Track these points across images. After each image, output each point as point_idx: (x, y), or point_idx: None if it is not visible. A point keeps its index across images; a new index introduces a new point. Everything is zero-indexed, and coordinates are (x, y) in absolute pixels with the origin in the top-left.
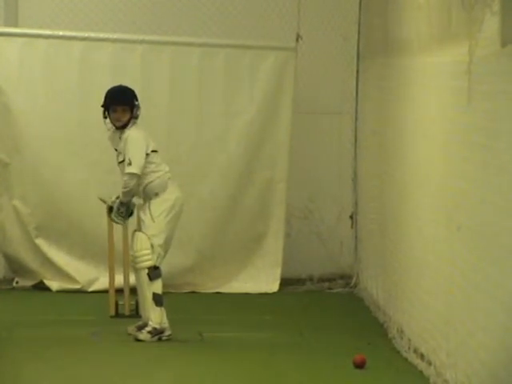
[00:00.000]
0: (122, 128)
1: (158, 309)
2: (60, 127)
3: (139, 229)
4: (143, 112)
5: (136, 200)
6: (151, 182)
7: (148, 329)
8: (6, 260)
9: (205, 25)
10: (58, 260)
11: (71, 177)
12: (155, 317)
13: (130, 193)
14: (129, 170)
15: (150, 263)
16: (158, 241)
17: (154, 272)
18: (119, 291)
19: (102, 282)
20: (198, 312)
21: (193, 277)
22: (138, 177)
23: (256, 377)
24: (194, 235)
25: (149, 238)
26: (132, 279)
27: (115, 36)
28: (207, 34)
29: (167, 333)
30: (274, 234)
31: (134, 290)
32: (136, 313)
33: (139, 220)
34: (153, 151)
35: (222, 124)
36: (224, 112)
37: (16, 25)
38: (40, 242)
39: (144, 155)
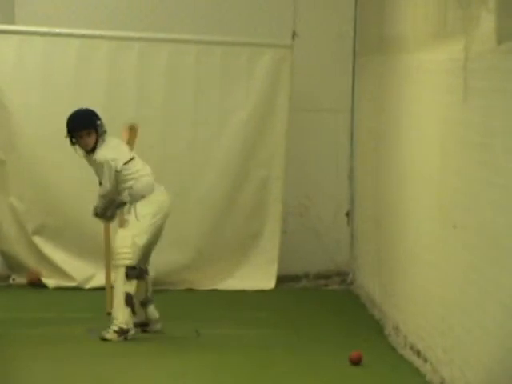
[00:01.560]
0: (92, 151)
1: (128, 309)
2: (56, 124)
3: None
4: (139, 110)
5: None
6: (134, 185)
7: (114, 328)
8: (3, 257)
9: (201, 22)
10: (54, 257)
11: (68, 174)
12: (123, 316)
13: (103, 204)
14: (101, 190)
15: (128, 262)
16: (140, 241)
17: (131, 271)
18: None
19: (99, 279)
20: (195, 309)
21: (189, 274)
22: (112, 193)
23: (252, 373)
24: (191, 232)
25: (131, 237)
26: None
27: (112, 33)
28: (204, 32)
29: (132, 332)
30: (270, 231)
31: None
32: (132, 310)
33: (123, 220)
34: (130, 159)
35: (218, 121)
36: (220, 109)
37: (13, 22)
38: (36, 239)
39: (113, 175)
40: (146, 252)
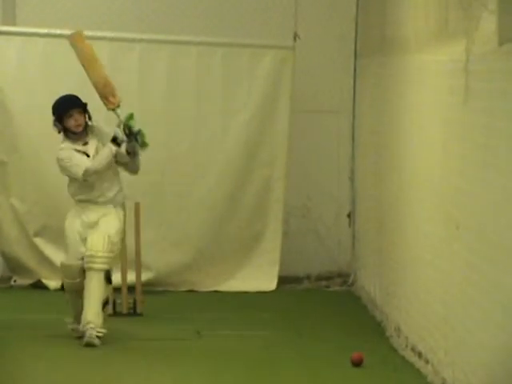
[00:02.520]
0: (81, 134)
1: (102, 312)
2: None
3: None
4: (140, 111)
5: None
6: (122, 188)
7: (98, 334)
8: (4, 259)
9: (203, 23)
10: (55, 259)
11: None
12: (99, 320)
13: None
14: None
15: (107, 266)
16: (118, 246)
17: (109, 275)
18: (117, 290)
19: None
20: (196, 310)
21: (191, 275)
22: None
23: (254, 375)
24: (193, 233)
25: (113, 242)
26: (130, 278)
27: (113, 35)
28: (205, 33)
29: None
30: (271, 232)
31: (131, 289)
32: (134, 311)
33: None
34: None
35: (220, 122)
36: (222, 110)
37: (14, 23)
38: (38, 240)
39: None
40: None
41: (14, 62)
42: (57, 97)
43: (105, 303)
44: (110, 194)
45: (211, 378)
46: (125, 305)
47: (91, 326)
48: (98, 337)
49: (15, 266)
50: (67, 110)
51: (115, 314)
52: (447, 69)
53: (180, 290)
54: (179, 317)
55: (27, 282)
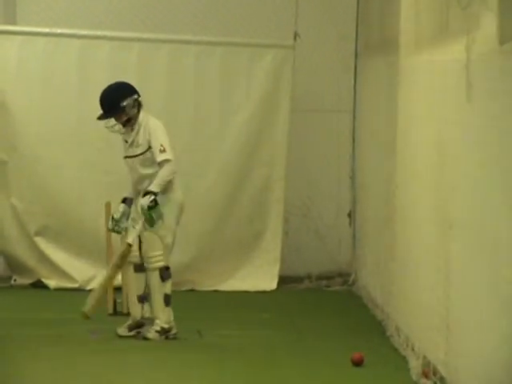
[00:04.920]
0: (127, 123)
1: (168, 308)
2: (58, 125)
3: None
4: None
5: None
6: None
7: (156, 328)
8: (4, 258)
9: (202, 23)
10: (55, 258)
11: (69, 175)
12: (164, 316)
13: (166, 183)
14: (163, 157)
15: (162, 264)
16: (169, 241)
17: (165, 272)
18: (117, 289)
19: (100, 281)
20: (196, 310)
21: (191, 275)
22: (173, 164)
23: (254, 375)
24: (192, 233)
25: (159, 239)
26: None
27: (112, 34)
28: (204, 32)
29: (174, 331)
30: (272, 231)
31: None
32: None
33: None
34: None
35: (219, 122)
36: (221, 110)
37: (14, 23)
38: (38, 240)
39: (169, 139)
40: (172, 248)
41: (14, 62)
42: (56, 96)
43: (166, 299)
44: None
45: (212, 377)
46: (125, 304)
47: (156, 321)
48: (157, 331)
49: (15, 266)
50: (102, 119)
51: (115, 313)
52: (448, 68)
53: (180, 289)
54: (179, 316)
55: (27, 281)
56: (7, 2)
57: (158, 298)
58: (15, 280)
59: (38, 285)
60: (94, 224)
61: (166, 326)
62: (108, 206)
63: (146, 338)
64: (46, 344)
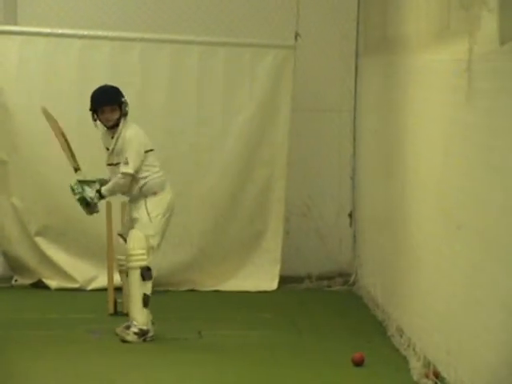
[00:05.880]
0: (113, 127)
1: (145, 310)
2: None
3: (127, 227)
4: (142, 110)
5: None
6: (148, 180)
7: (134, 330)
8: (5, 258)
9: (204, 23)
10: (56, 258)
11: (69, 175)
12: (142, 318)
13: (115, 192)
14: (124, 169)
15: (144, 263)
16: (155, 241)
17: (147, 272)
18: (118, 289)
19: (101, 281)
20: (197, 310)
21: (192, 274)
22: (132, 177)
23: (255, 375)
24: (193, 233)
25: (145, 238)
26: None
27: (114, 34)
28: (206, 32)
29: (151, 334)
30: (272, 231)
31: None
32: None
33: (128, 219)
34: (150, 150)
35: (221, 122)
36: (223, 110)
37: (15, 23)
38: (38, 240)
39: (142, 156)
40: (158, 250)
41: (15, 62)
42: (57, 96)
43: (145, 300)
44: (133, 188)
45: (212, 378)
46: (125, 305)
47: (133, 323)
48: (136, 333)
49: (16, 266)
50: (100, 106)
51: (116, 313)
52: (449, 68)
53: (181, 289)
54: (180, 316)
55: (28, 281)
56: (8, 2)
57: (136, 298)
58: (16, 280)
59: (39, 285)
60: (95, 224)
61: (144, 327)
62: (109, 205)
63: (124, 341)
64: (47, 344)
